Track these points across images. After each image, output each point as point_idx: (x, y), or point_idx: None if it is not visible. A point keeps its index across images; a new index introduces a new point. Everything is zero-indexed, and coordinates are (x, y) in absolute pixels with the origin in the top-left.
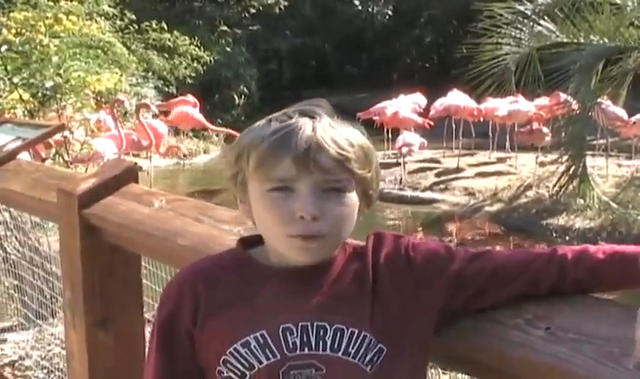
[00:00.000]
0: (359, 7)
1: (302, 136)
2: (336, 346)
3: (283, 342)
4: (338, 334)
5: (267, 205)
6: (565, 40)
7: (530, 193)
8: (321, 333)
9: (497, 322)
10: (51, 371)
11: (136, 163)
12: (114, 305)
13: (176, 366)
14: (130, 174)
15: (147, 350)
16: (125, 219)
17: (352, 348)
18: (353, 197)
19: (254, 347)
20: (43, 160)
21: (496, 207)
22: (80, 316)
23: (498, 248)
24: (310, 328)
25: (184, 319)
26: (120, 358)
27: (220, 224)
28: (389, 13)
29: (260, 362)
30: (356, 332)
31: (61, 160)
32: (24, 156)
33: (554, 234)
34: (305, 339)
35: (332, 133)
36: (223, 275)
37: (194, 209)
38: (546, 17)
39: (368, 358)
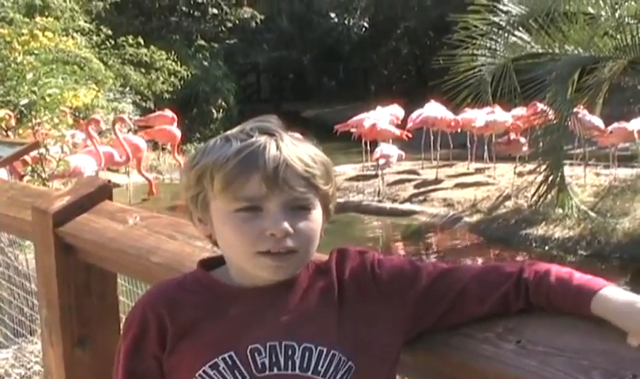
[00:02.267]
0: (336, 20)
1: (269, 154)
2: (305, 365)
3: (252, 363)
4: (307, 353)
5: (235, 225)
6: (540, 51)
7: (509, 204)
8: (290, 353)
9: (467, 336)
10: None
11: (110, 181)
12: (91, 323)
13: None
14: (104, 192)
15: (114, 374)
16: (99, 237)
17: (322, 367)
18: (318, 214)
19: (223, 368)
20: (22, 177)
21: (475, 218)
22: (57, 334)
23: (478, 259)
24: (278, 347)
25: (150, 344)
26: (98, 376)
27: (193, 241)
28: (366, 25)
29: None
30: (325, 350)
31: (39, 177)
32: (1, 173)
33: (533, 244)
34: (274, 359)
35: (296, 150)
36: (186, 298)
37: (169, 226)
38: (520, 28)
39: (338, 376)
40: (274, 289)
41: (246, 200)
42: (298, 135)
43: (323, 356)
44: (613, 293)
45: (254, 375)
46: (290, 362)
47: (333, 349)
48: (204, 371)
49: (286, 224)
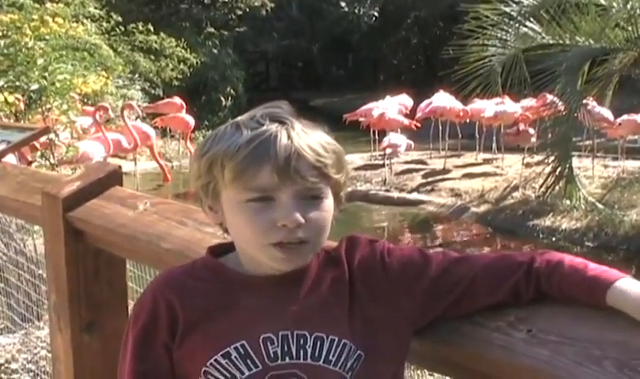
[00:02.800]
0: (346, 8)
1: (280, 144)
2: (317, 354)
3: (264, 352)
4: (319, 342)
5: (246, 215)
6: (551, 42)
7: (517, 194)
8: (302, 342)
9: (479, 324)
10: (38, 375)
11: (120, 166)
12: (100, 309)
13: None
14: (115, 177)
15: (120, 362)
16: (109, 222)
17: (333, 356)
18: (330, 203)
19: (235, 357)
20: (30, 163)
21: (483, 208)
22: (65, 319)
23: (485, 250)
24: (290, 337)
25: (160, 333)
26: (106, 362)
27: (203, 227)
28: (376, 14)
29: (242, 373)
30: (336, 339)
31: (47, 163)
32: (10, 159)
33: (540, 235)
34: (286, 348)
35: (307, 139)
36: (198, 286)
37: (179, 212)
38: (532, 19)
39: (348, 365)
40: (286, 278)
41: (257, 190)
42: (309, 122)
43: (334, 345)
44: (629, 284)
45: (266, 364)
46: (302, 351)
47: (344, 338)
48: (215, 360)
49: (298, 215)
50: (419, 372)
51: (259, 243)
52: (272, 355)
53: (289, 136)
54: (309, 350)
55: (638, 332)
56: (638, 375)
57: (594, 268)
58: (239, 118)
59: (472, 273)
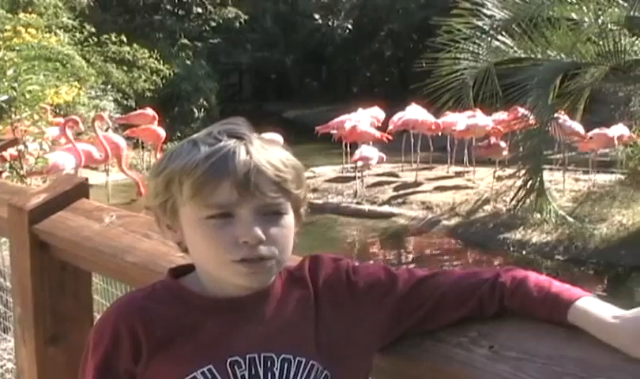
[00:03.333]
0: (320, 21)
1: (239, 160)
2: (284, 376)
3: (231, 376)
4: (286, 364)
5: (206, 233)
6: (522, 55)
7: (488, 208)
8: (269, 364)
9: (440, 340)
10: None
11: (87, 179)
12: (65, 322)
13: None
14: (81, 190)
15: None
16: (74, 235)
17: (301, 378)
18: (290, 219)
19: None
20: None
21: (454, 221)
22: (30, 332)
23: (456, 263)
24: (257, 359)
25: (123, 360)
26: (70, 375)
27: (168, 241)
28: (350, 27)
29: None
30: (303, 360)
31: (16, 174)
32: None
33: (511, 248)
34: (253, 371)
35: (266, 155)
36: (160, 311)
37: (144, 225)
38: (504, 33)
39: None
40: (250, 299)
41: (217, 207)
42: (270, 136)
43: (302, 367)
44: (591, 304)
45: None
46: (269, 374)
47: (311, 360)
48: None
49: (259, 231)
50: None
51: (221, 261)
52: (239, 378)
53: (248, 152)
54: (276, 373)
55: (598, 349)
56: None
57: (558, 285)
58: (195, 136)
59: (438, 291)
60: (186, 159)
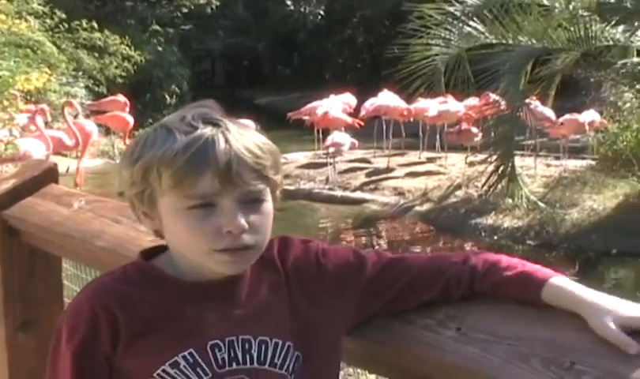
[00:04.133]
0: (292, 7)
1: (219, 149)
2: (262, 358)
3: (212, 359)
4: (263, 346)
5: (189, 223)
6: (494, 41)
7: (459, 193)
8: (247, 347)
9: (407, 322)
10: None
11: (56, 164)
12: (36, 307)
13: None
14: (50, 175)
15: (51, 373)
16: (44, 220)
17: (278, 359)
18: (270, 205)
19: (184, 366)
20: None
21: (426, 207)
22: (0, 318)
23: (428, 248)
24: (236, 342)
25: (102, 345)
26: (42, 361)
27: (138, 225)
28: (322, 13)
29: None
30: (280, 342)
31: None
32: None
33: (482, 234)
34: (232, 354)
35: (244, 141)
36: (138, 295)
37: (114, 210)
38: (475, 18)
39: (291, 367)
40: (224, 283)
41: (198, 197)
42: (243, 121)
43: (279, 348)
44: (564, 281)
45: (215, 371)
46: (248, 356)
47: (287, 340)
48: (163, 370)
49: (242, 220)
50: (358, 370)
51: (204, 250)
52: (220, 362)
53: (227, 140)
54: (254, 355)
55: (566, 330)
56: (564, 372)
57: (530, 266)
58: (167, 120)
59: (407, 273)
60: (162, 148)
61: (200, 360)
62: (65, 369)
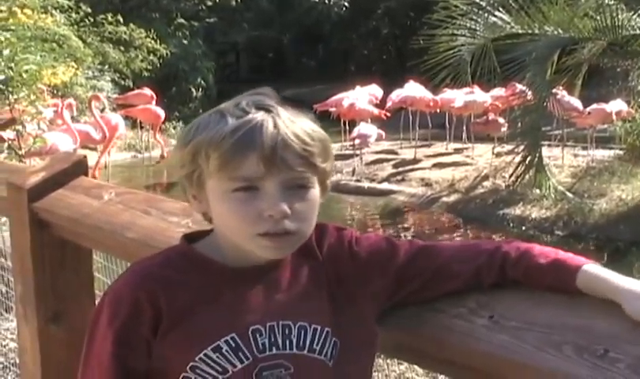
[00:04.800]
0: None
1: (267, 133)
2: (301, 344)
3: (253, 344)
4: (302, 332)
5: (232, 206)
6: (520, 31)
7: (487, 184)
8: (287, 332)
9: (440, 311)
10: (7, 367)
11: (85, 156)
12: (66, 299)
13: (133, 377)
14: (80, 168)
15: (89, 359)
16: (74, 212)
17: (317, 345)
18: (316, 192)
19: (226, 351)
20: None
21: (453, 197)
22: (31, 310)
23: (455, 239)
24: (276, 327)
25: (143, 329)
26: (73, 352)
27: (168, 216)
28: (346, 4)
29: (234, 366)
30: (319, 328)
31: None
32: None
33: (510, 224)
34: (272, 339)
35: (294, 127)
36: (180, 278)
37: (143, 202)
38: (500, 8)
39: (330, 352)
40: (266, 268)
41: (243, 180)
42: (295, 110)
43: (317, 334)
44: (598, 269)
45: (255, 356)
46: (287, 341)
47: (326, 327)
48: (205, 354)
49: (284, 205)
50: (388, 360)
51: (247, 233)
52: (260, 347)
53: (275, 125)
54: (294, 340)
55: (598, 318)
56: (597, 359)
57: (563, 254)
58: (222, 106)
59: (439, 261)
60: (213, 130)
61: (242, 344)
62: (104, 352)
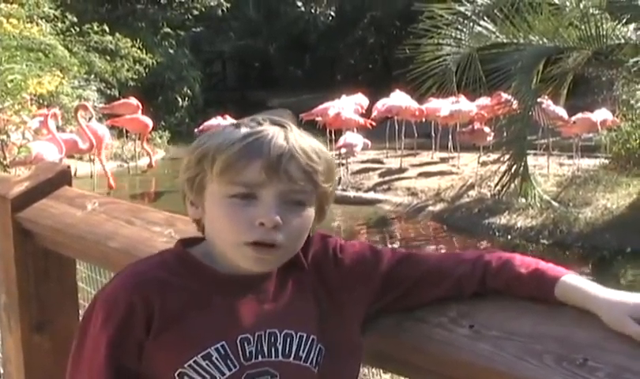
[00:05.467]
0: (302, 8)
1: (275, 143)
2: (287, 351)
3: (241, 352)
4: (288, 339)
5: (226, 210)
6: (505, 41)
7: (472, 193)
8: (272, 340)
9: (420, 320)
10: None
11: (69, 166)
12: (50, 309)
13: None
14: (64, 177)
15: (79, 360)
16: (57, 222)
17: (303, 352)
18: (311, 212)
19: (216, 358)
20: None
21: (439, 207)
22: (15, 320)
23: (441, 248)
24: (263, 336)
25: (136, 331)
26: (57, 362)
27: (151, 226)
28: (332, 14)
29: (222, 373)
30: (305, 336)
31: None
32: None
33: (496, 233)
34: (259, 347)
35: (302, 142)
36: (175, 282)
37: (127, 212)
38: (485, 18)
39: (315, 359)
40: (256, 277)
41: (242, 185)
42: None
43: (304, 341)
44: (577, 279)
45: (242, 364)
46: (273, 349)
47: (311, 334)
48: (195, 361)
49: (277, 216)
50: (373, 370)
51: (234, 241)
52: (247, 355)
53: (286, 138)
54: (279, 348)
55: (578, 327)
56: (576, 368)
57: (544, 264)
58: (240, 120)
59: (420, 269)
60: (223, 137)
61: (230, 353)
62: (98, 355)
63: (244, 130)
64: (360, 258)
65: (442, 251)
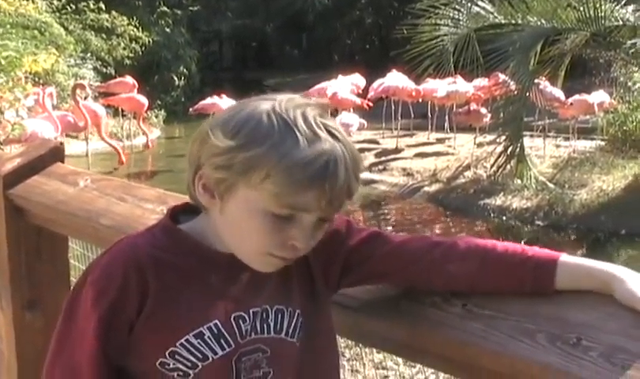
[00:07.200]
0: None
1: (338, 175)
2: (278, 327)
3: (237, 330)
4: (279, 315)
5: (263, 226)
6: (503, 21)
7: (468, 174)
8: (264, 316)
9: (414, 300)
10: None
11: (62, 143)
12: (42, 287)
13: (111, 358)
14: (56, 154)
15: (66, 335)
16: (49, 199)
17: (290, 327)
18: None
19: (208, 337)
20: None
21: (434, 187)
22: (7, 298)
23: (436, 229)
24: (258, 313)
25: (128, 309)
26: (48, 340)
27: (143, 203)
28: None
29: (215, 353)
30: (291, 310)
31: None
32: None
33: (491, 214)
34: (254, 324)
35: (355, 169)
36: (166, 259)
37: (119, 189)
38: None
39: (297, 333)
40: None
41: (291, 207)
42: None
43: (293, 317)
44: (569, 258)
45: (238, 342)
46: (265, 326)
47: (297, 308)
48: (186, 340)
49: (312, 241)
50: (366, 350)
51: (259, 251)
52: (244, 333)
53: (345, 165)
54: (271, 324)
55: (572, 307)
56: (570, 347)
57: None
58: (283, 109)
59: (387, 248)
60: (281, 149)
61: (224, 331)
62: (87, 330)
63: (305, 147)
64: (334, 232)
65: (437, 232)
